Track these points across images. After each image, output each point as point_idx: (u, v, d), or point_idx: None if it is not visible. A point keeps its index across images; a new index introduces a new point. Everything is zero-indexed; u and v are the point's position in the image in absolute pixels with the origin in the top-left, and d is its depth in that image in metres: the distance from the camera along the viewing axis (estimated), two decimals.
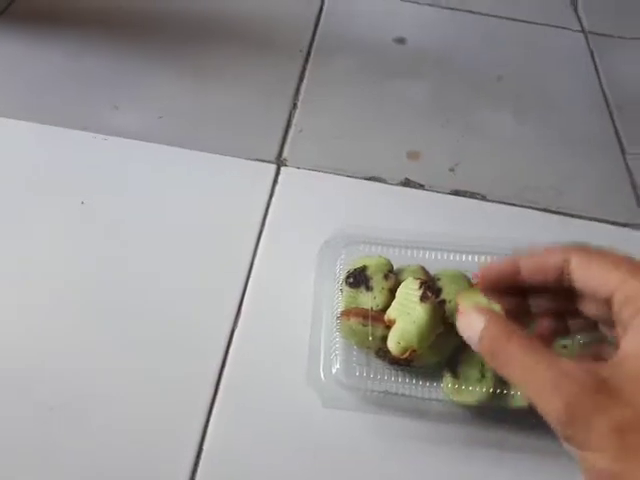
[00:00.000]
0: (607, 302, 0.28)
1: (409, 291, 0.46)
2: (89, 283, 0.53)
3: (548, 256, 0.31)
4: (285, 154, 0.67)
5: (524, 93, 0.80)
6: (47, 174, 0.62)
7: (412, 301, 0.45)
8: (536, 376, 0.26)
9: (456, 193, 0.66)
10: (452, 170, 0.68)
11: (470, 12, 0.93)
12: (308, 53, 0.81)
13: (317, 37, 0.84)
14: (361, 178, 0.66)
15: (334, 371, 0.45)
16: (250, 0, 0.89)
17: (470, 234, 0.60)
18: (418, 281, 0.46)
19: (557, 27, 0.93)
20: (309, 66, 0.79)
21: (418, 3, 0.93)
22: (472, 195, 0.66)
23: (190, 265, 0.56)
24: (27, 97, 0.70)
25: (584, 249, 0.30)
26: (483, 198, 0.66)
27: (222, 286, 0.54)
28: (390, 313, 0.46)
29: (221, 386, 0.48)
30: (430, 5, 0.93)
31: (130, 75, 0.74)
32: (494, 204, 0.65)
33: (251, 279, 0.55)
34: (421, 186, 0.66)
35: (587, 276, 0.29)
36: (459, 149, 0.71)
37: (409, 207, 0.64)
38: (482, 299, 0.36)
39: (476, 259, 0.52)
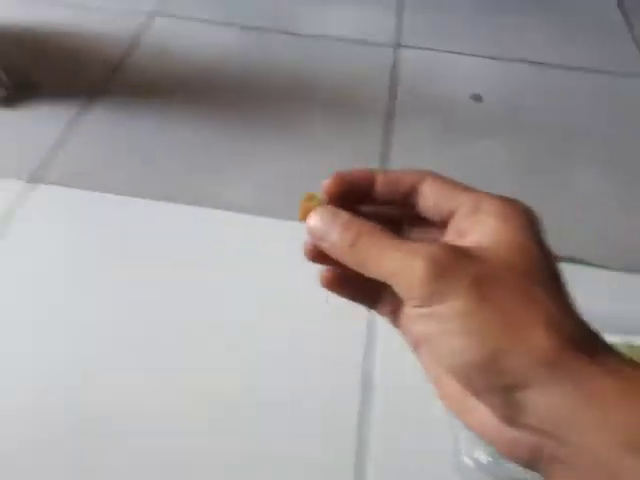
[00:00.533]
0: (447, 218, 0.29)
1: None
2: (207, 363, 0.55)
3: (404, 174, 0.30)
4: None
5: (607, 147, 0.81)
6: (156, 248, 0.65)
7: None
8: (395, 250, 0.26)
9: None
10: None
11: (543, 64, 0.95)
12: (389, 116, 0.83)
13: (396, 99, 0.86)
14: None
15: (483, 460, 0.46)
16: (330, 70, 0.92)
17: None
18: None
19: (630, 76, 0.94)
20: (393, 129, 0.81)
21: (489, 58, 0.95)
22: (569, 260, 0.66)
23: (311, 336, 0.57)
24: (135, 171, 0.73)
25: (440, 175, 0.30)
26: (581, 262, 0.66)
27: (345, 356, 0.56)
28: None
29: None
30: (501, 59, 0.95)
31: (229, 146, 0.77)
32: (595, 269, 0.65)
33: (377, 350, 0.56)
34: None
35: (437, 193, 0.29)
36: (550, 208, 0.71)
37: None
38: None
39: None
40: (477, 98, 0.87)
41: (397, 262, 0.25)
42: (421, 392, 0.51)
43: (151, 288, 0.61)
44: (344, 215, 0.28)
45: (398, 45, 0.96)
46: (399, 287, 0.25)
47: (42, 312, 0.58)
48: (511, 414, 0.24)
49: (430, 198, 0.29)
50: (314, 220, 0.29)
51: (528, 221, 0.28)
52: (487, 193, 0.29)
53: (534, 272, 0.26)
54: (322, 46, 0.95)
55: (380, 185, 0.30)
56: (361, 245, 0.27)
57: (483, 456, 0.45)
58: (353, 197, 0.30)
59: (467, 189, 0.29)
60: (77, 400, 0.52)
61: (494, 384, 0.25)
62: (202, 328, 0.58)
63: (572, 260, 0.66)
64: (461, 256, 0.25)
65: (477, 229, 0.27)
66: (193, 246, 0.65)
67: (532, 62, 0.94)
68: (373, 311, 0.30)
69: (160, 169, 0.73)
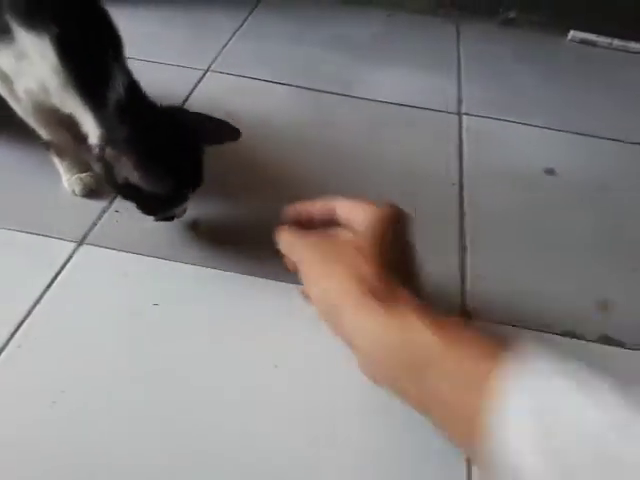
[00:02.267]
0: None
1: None
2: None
3: (329, 202, 0.51)
4: (469, 305, 0.63)
5: None
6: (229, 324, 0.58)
7: None
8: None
9: None
10: None
11: (609, 139, 0.91)
12: (461, 187, 0.79)
13: (465, 170, 0.82)
14: (553, 332, 0.61)
15: None
16: (393, 144, 0.88)
17: None
18: None
19: None
20: (465, 201, 0.76)
21: (557, 130, 0.92)
22: None
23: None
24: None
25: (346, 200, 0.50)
26: None
27: None
28: None
29: None
30: (570, 132, 0.92)
31: None
32: None
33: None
34: (622, 344, 0.61)
35: (343, 211, 0.49)
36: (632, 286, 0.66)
37: (615, 369, 0.58)
38: None
39: None
40: (550, 172, 0.83)
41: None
42: None
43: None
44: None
45: (461, 113, 0.93)
46: None
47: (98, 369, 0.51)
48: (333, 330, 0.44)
49: (340, 215, 0.49)
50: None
51: (393, 219, 0.48)
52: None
53: (367, 248, 0.44)
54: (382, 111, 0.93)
55: (316, 213, 0.52)
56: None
57: None
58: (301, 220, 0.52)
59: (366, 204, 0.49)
60: None
61: (325, 310, 0.44)
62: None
63: None
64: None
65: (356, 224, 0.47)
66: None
67: (609, 138, 0.91)
68: None
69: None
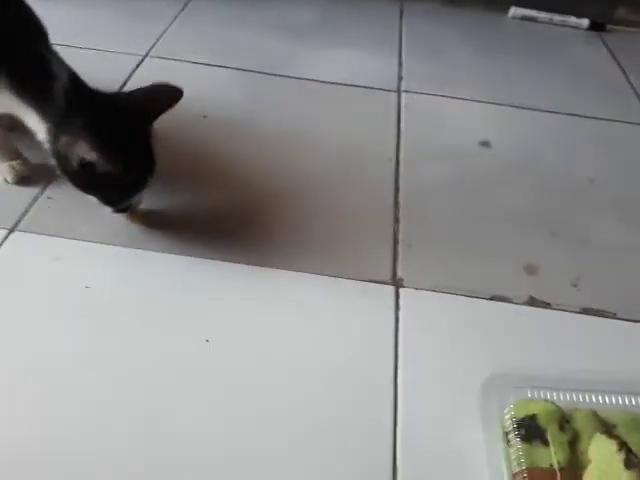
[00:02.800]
0: None
1: (606, 452, 0.42)
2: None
3: None
4: (400, 273, 0.64)
5: (622, 195, 0.79)
6: (160, 305, 0.58)
7: (615, 467, 0.41)
8: None
9: (585, 312, 0.62)
10: (575, 285, 0.65)
11: (543, 111, 0.94)
12: (397, 162, 0.80)
13: (402, 146, 0.83)
14: (484, 298, 0.63)
15: None
16: (332, 124, 0.89)
17: (617, 362, 0.56)
18: (615, 442, 0.42)
19: (631, 123, 0.93)
20: (401, 175, 0.78)
21: (495, 104, 0.94)
22: (602, 314, 0.62)
23: (323, 411, 0.51)
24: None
25: None
26: (614, 316, 0.62)
27: (366, 443, 0.49)
28: (589, 478, 0.42)
29: None
30: (508, 105, 0.94)
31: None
32: (628, 323, 0.62)
33: (399, 429, 0.50)
34: (547, 304, 0.63)
35: None
36: (575, 261, 0.68)
37: (542, 330, 0.60)
38: None
39: None
40: (485, 144, 0.85)
41: None
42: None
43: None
44: None
45: (400, 90, 0.95)
46: None
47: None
48: None
49: None
50: None
51: None
52: None
53: None
54: (324, 90, 0.93)
55: None
56: None
57: None
58: None
59: None
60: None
61: None
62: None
63: (598, 313, 0.62)
64: None
65: None
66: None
67: (542, 110, 0.93)
68: None
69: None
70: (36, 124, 0.59)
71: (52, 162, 0.60)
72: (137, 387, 0.51)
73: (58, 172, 0.60)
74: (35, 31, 0.61)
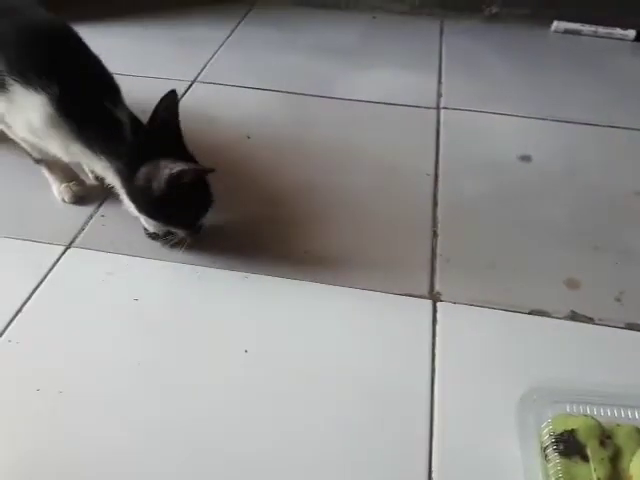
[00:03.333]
0: None
1: None
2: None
3: None
4: (437, 287, 0.65)
5: None
6: (206, 318, 0.61)
7: None
8: None
9: (630, 327, 0.61)
10: (618, 300, 0.64)
11: (584, 124, 0.92)
12: (436, 177, 0.81)
13: (441, 160, 0.84)
14: (523, 312, 0.62)
15: None
16: (374, 142, 0.91)
17: None
18: None
19: None
20: (439, 190, 0.78)
21: (536, 118, 0.93)
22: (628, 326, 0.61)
23: (358, 424, 0.52)
24: None
25: None
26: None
27: (403, 457, 0.50)
28: None
29: None
30: (549, 120, 0.93)
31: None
32: None
33: (435, 443, 0.50)
34: (590, 319, 0.62)
35: None
36: (619, 275, 0.67)
37: (584, 345, 0.59)
38: None
39: None
40: (525, 159, 0.85)
41: None
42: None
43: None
44: None
45: (439, 107, 0.96)
46: None
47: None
48: None
49: None
50: None
51: None
52: None
53: None
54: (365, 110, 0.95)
55: None
56: None
57: None
58: None
59: None
60: None
61: None
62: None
63: (636, 327, 0.60)
64: None
65: None
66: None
67: (582, 123, 0.92)
68: None
69: None
70: (104, 170, 0.64)
71: (126, 203, 0.65)
72: (182, 394, 0.54)
73: (135, 211, 0.65)
74: (105, 86, 0.66)
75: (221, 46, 1.13)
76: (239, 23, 1.22)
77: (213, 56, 1.09)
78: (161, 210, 0.64)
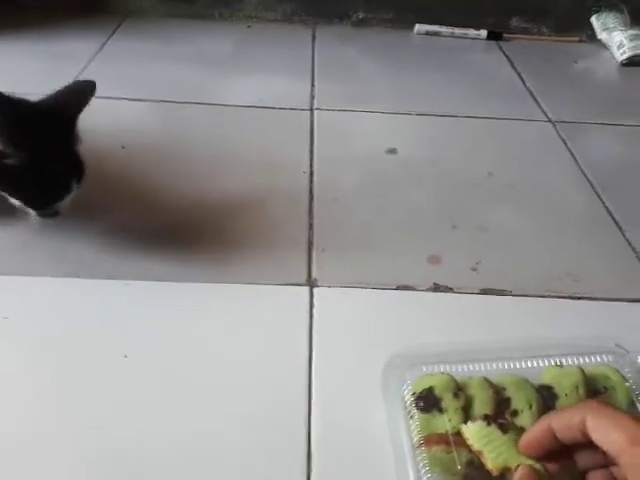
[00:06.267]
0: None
1: (480, 433, 0.46)
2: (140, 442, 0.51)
3: (571, 416, 0.38)
4: (314, 274, 0.68)
5: (515, 186, 0.85)
6: (84, 328, 0.60)
7: (495, 437, 0.46)
8: None
9: (484, 292, 0.68)
10: (475, 270, 0.71)
11: (444, 116, 1.01)
12: (311, 174, 0.85)
13: (315, 158, 0.88)
14: (391, 288, 0.67)
15: None
16: (248, 145, 0.94)
17: (510, 333, 0.61)
18: (480, 421, 0.47)
19: (526, 120, 1.02)
20: (315, 186, 0.83)
21: (401, 114, 1.01)
22: (500, 292, 0.68)
23: (245, 407, 0.54)
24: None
25: (597, 407, 0.37)
26: (510, 293, 0.68)
27: (282, 430, 0.52)
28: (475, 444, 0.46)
29: None
30: (413, 114, 1.01)
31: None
32: (521, 298, 0.67)
33: (313, 416, 0.53)
34: (449, 289, 0.68)
35: (598, 438, 0.36)
36: (474, 248, 0.74)
37: (445, 312, 0.65)
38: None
39: (529, 364, 0.53)
40: (392, 151, 0.91)
41: None
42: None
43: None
44: None
45: (313, 108, 1.00)
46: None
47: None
48: None
49: (595, 440, 0.36)
50: None
51: None
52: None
53: None
54: (240, 115, 0.98)
55: (558, 433, 0.40)
56: None
57: None
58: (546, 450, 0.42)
59: (622, 426, 0.35)
60: None
61: None
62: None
63: (494, 292, 0.68)
64: None
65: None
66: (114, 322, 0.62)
67: (439, 115, 1.01)
68: None
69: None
70: None
71: None
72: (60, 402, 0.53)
73: None
74: None
75: (92, 59, 1.11)
76: (111, 36, 1.20)
77: (84, 69, 1.07)
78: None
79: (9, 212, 0.68)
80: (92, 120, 0.93)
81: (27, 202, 0.63)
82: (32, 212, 0.64)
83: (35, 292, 0.64)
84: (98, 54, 1.13)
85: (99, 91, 1.00)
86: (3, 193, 0.63)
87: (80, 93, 0.64)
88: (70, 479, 0.48)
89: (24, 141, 0.58)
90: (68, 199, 0.65)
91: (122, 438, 0.51)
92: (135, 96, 1.00)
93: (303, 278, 0.68)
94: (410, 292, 0.67)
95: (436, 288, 0.68)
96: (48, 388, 0.54)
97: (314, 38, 1.26)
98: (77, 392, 0.54)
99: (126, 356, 0.57)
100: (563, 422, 0.39)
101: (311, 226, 0.76)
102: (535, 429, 0.42)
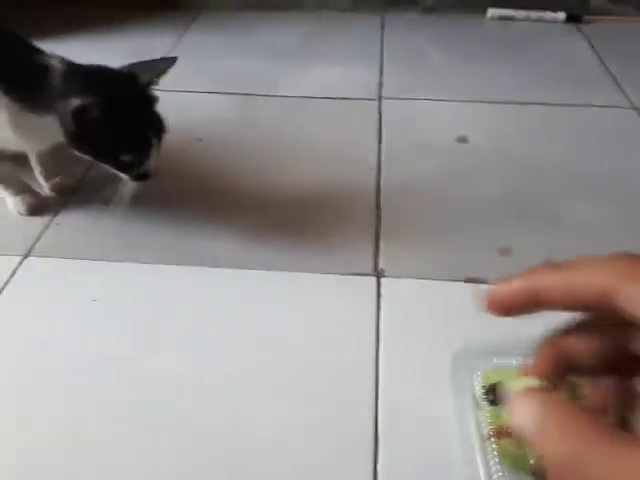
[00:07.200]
0: None
1: None
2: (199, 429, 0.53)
3: (589, 275, 0.24)
4: (381, 265, 0.69)
5: (592, 176, 0.82)
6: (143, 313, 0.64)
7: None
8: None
9: None
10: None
11: (518, 103, 0.98)
12: (379, 163, 0.85)
13: (383, 148, 0.88)
14: (460, 281, 0.67)
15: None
16: (317, 135, 0.95)
17: None
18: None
19: (608, 107, 0.97)
20: (382, 176, 0.83)
21: (473, 101, 0.98)
22: None
23: (310, 396, 0.55)
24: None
25: (633, 270, 0.23)
26: None
27: (349, 418, 0.53)
28: None
29: None
30: (485, 102, 0.98)
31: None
32: None
33: (380, 405, 0.54)
34: None
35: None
36: (547, 240, 0.72)
37: None
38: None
39: None
40: (462, 140, 0.89)
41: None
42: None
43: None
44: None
45: (381, 97, 1.00)
46: None
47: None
48: None
49: (627, 305, 0.22)
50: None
51: None
52: None
53: None
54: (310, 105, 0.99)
55: (554, 295, 0.25)
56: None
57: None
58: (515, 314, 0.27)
59: None
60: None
61: None
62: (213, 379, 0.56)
63: None
64: None
65: None
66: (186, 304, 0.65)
67: (515, 102, 0.98)
68: None
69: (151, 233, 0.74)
70: (49, 128, 0.64)
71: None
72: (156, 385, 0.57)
73: (66, 143, 0.65)
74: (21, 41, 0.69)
75: (170, 53, 1.16)
76: (186, 30, 1.25)
77: None
78: (82, 143, 0.65)
79: (101, 201, 0.73)
80: (170, 113, 0.98)
81: (115, 166, 0.67)
82: (125, 177, 0.68)
83: (123, 277, 0.68)
84: (174, 49, 1.17)
85: (176, 85, 1.05)
86: (98, 160, 0.67)
87: (161, 62, 0.70)
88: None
89: (102, 99, 0.62)
90: (153, 158, 0.67)
91: (207, 424, 0.54)
92: (209, 89, 1.04)
93: (370, 268, 0.68)
94: (480, 285, 0.66)
95: None
96: (131, 369, 0.58)
97: (383, 26, 1.25)
98: (157, 374, 0.58)
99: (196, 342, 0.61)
100: (565, 281, 0.25)
101: (378, 217, 0.76)
102: (517, 282, 0.27)
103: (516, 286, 0.27)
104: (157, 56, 1.13)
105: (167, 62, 0.69)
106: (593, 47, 1.16)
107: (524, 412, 0.24)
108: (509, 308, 0.27)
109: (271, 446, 0.51)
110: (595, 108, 0.96)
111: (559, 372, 0.26)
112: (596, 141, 0.89)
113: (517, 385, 0.26)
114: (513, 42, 1.18)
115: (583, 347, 0.26)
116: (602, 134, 0.90)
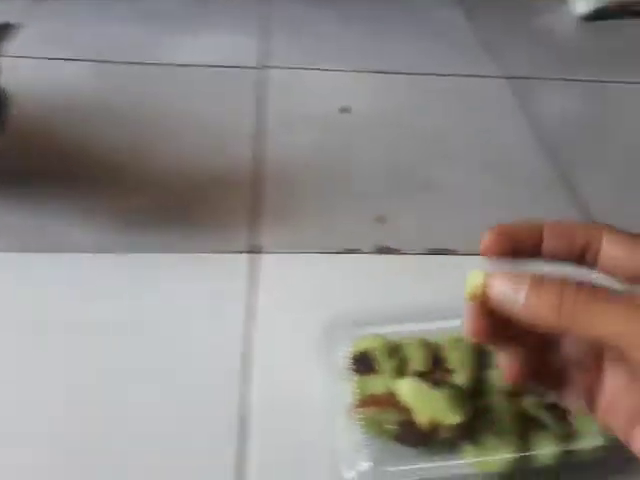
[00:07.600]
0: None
1: (414, 390, 0.47)
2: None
3: (575, 226, 0.27)
4: (259, 241, 0.67)
5: (467, 145, 0.84)
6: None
7: (426, 393, 0.46)
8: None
9: (432, 252, 0.67)
10: (422, 230, 0.70)
11: (398, 73, 0.99)
12: (259, 135, 0.83)
13: (265, 119, 0.85)
14: (337, 252, 0.67)
15: (364, 469, 0.44)
16: (192, 106, 0.90)
17: (456, 293, 0.61)
18: (412, 379, 0.47)
19: (479, 76, 1.00)
20: (266, 147, 0.80)
21: (356, 71, 0.98)
22: (446, 252, 0.68)
23: (180, 374, 0.53)
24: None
25: (616, 230, 0.27)
26: (454, 253, 0.68)
27: (220, 395, 0.52)
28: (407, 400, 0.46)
29: None
30: (367, 72, 0.98)
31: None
32: (467, 257, 0.67)
33: (254, 377, 0.53)
34: (395, 250, 0.67)
35: (619, 251, 0.26)
36: (422, 208, 0.73)
37: (390, 273, 0.65)
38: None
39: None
40: (345, 110, 0.89)
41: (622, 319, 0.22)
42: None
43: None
44: (537, 274, 0.24)
45: (263, 66, 0.97)
46: (630, 348, 0.22)
47: None
48: None
49: (612, 257, 0.26)
50: (499, 284, 0.26)
51: None
52: None
53: None
54: (185, 74, 0.94)
55: (548, 239, 0.27)
56: (569, 305, 0.23)
57: (364, 464, 0.44)
58: (516, 254, 0.28)
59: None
60: None
61: None
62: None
63: (441, 251, 0.67)
64: None
65: None
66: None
67: (392, 72, 0.98)
68: None
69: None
70: None
71: None
72: None
73: None
74: None
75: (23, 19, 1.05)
76: None
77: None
78: None
79: None
80: (33, 81, 0.90)
81: None
82: None
83: None
84: (35, 12, 1.07)
85: (34, 52, 0.96)
86: None
87: None
88: None
89: None
90: None
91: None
92: (72, 56, 0.96)
93: (248, 245, 0.66)
94: (356, 255, 0.66)
95: (381, 250, 0.67)
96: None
97: None
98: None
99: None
100: (561, 227, 0.27)
101: (258, 191, 0.74)
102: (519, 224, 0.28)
103: (524, 225, 0.28)
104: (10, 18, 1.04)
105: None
106: (471, 17, 1.19)
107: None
108: (517, 241, 0.28)
109: (135, 430, 0.49)
110: (472, 78, 0.99)
111: (506, 252, 0.28)
112: (472, 110, 0.92)
113: (472, 281, 0.28)
114: (401, 10, 1.18)
115: (531, 239, 0.28)
116: (478, 103, 0.93)
